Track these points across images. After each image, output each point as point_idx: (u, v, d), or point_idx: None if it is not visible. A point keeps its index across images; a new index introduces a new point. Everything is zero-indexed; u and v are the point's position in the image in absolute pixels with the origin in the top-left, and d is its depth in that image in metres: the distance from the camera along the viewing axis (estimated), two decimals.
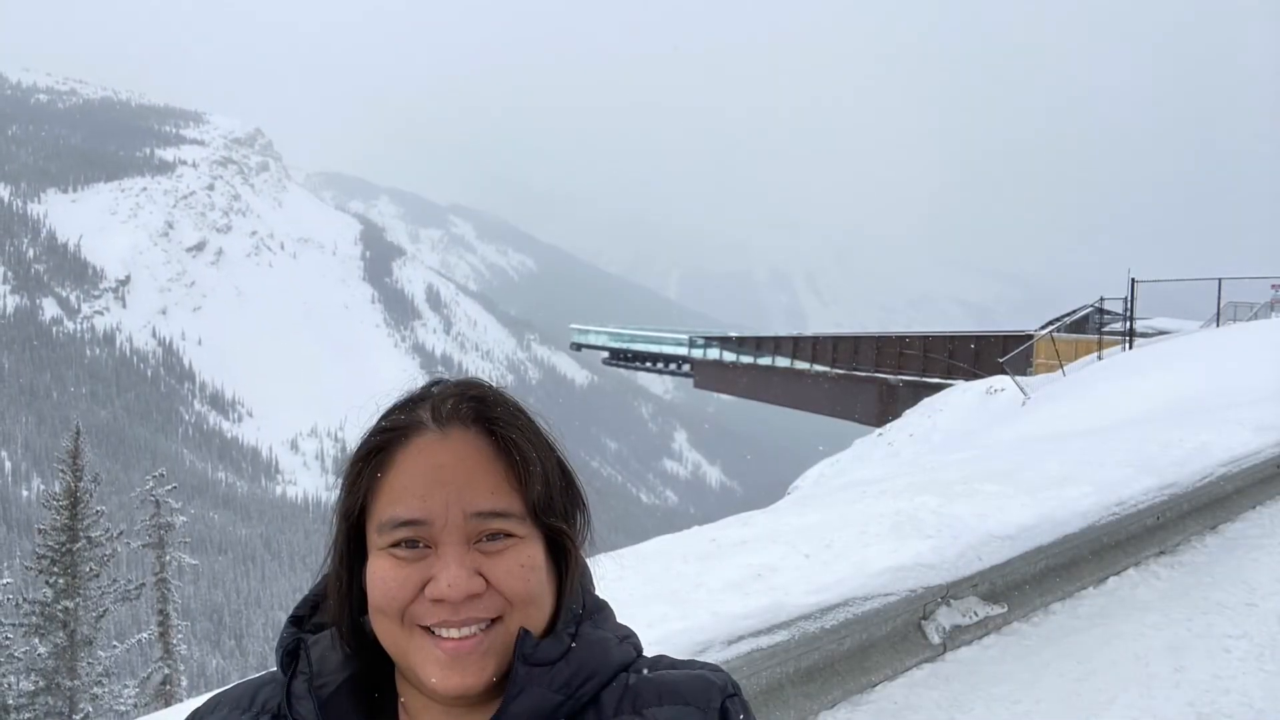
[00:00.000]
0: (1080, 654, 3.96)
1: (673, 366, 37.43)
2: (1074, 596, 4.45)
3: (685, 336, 36.58)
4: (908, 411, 19.12)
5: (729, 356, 33.16)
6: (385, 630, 0.76)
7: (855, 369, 26.58)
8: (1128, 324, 16.56)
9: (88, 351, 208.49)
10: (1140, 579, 4.68)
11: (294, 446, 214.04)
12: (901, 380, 24.66)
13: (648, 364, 38.88)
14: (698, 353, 35.09)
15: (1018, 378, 15.95)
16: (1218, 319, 18.25)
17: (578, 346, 43.56)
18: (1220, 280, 17.96)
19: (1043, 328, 20.93)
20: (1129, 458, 5.46)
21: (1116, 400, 10.75)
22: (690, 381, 37.73)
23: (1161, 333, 18.49)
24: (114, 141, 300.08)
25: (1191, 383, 10.74)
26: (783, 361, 30.11)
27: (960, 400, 17.33)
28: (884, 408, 24.60)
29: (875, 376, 25.65)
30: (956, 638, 3.93)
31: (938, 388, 21.11)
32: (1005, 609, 4.14)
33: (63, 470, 16.50)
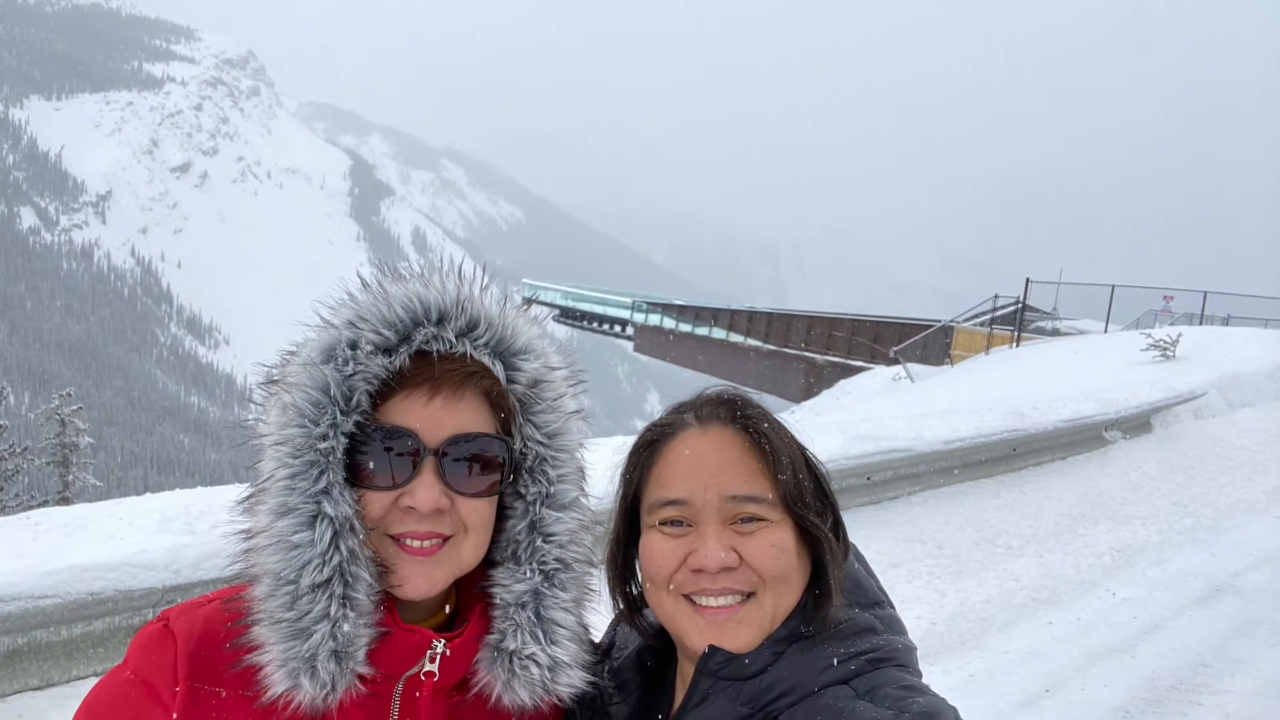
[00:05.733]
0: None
1: (616, 329, 37.45)
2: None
3: (629, 300, 36.70)
4: (825, 391, 19.81)
5: (669, 323, 33.22)
6: (656, 598, 0.93)
7: (786, 346, 27.10)
8: (1017, 321, 17.39)
9: (64, 264, 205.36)
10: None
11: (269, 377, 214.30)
12: (828, 361, 25.24)
13: (593, 324, 38.96)
14: (639, 317, 35.15)
15: (909, 365, 16.73)
16: (1106, 324, 19.19)
17: (529, 301, 43.58)
18: (1114, 287, 19.01)
19: (955, 319, 21.67)
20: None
21: (976, 388, 11.76)
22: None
23: (1083, 332, 19.51)
24: (101, 51, 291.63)
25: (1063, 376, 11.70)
26: (719, 333, 30.54)
27: (870, 384, 17.98)
28: (809, 386, 25.15)
29: (804, 356, 26.11)
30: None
31: (859, 370, 21.76)
32: None
33: None
